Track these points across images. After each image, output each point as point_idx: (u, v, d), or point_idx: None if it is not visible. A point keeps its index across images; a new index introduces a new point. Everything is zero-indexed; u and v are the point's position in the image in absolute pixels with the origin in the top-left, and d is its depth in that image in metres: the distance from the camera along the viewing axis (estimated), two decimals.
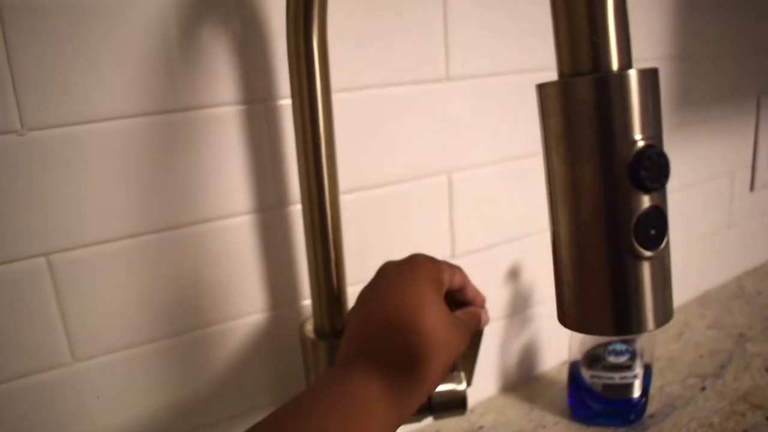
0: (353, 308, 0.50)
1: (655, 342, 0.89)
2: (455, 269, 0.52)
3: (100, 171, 0.51)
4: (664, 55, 0.87)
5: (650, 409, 0.75)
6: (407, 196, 0.67)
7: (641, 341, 0.71)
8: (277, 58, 0.57)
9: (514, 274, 0.78)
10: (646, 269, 0.29)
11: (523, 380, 0.83)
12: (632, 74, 0.28)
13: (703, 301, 1.04)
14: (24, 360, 0.50)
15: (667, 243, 0.29)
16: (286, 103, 0.57)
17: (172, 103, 0.53)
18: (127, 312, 0.54)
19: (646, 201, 0.28)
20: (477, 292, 0.55)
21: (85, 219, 0.51)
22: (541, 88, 0.29)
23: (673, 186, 0.94)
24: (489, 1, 0.67)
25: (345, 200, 0.63)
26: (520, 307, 0.79)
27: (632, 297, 0.29)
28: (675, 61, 0.88)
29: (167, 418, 0.58)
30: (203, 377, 0.59)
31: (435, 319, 0.45)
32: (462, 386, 0.54)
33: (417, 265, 0.49)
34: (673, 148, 0.92)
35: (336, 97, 0.60)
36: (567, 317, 0.31)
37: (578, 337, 0.72)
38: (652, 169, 0.27)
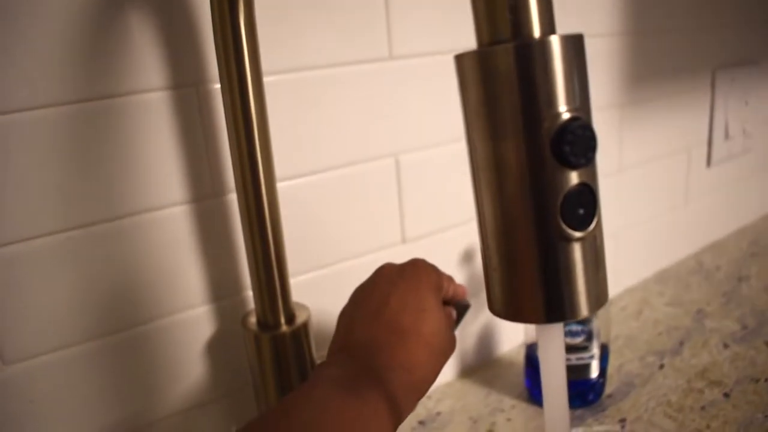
0: (348, 306, 0.49)
1: (612, 321, 0.89)
2: (451, 278, 0.52)
3: (22, 164, 0.48)
4: (618, 31, 0.85)
5: (609, 388, 0.74)
6: (353, 180, 0.65)
7: (597, 321, 0.70)
8: (207, 40, 0.54)
9: (468, 256, 0.76)
10: (576, 251, 0.27)
11: (480, 364, 0.82)
12: (555, 41, 0.25)
13: (661, 277, 1.04)
14: None
15: (599, 222, 0.28)
16: (219, 86, 0.55)
17: (97, 90, 0.50)
18: (60, 312, 0.52)
19: (573, 178, 0.26)
20: (464, 290, 0.55)
21: (8, 215, 0.48)
22: (459, 60, 0.27)
23: (630, 162, 0.94)
24: None
25: (287, 187, 0.60)
26: (475, 289, 0.77)
27: (563, 281, 0.27)
28: (629, 36, 0.87)
29: (109, 419, 0.56)
30: (145, 375, 0.57)
31: (436, 325, 0.45)
32: None
33: (419, 269, 0.49)
34: (629, 124, 0.92)
35: (274, 80, 0.57)
36: (495, 305, 0.29)
37: None
38: (577, 143, 0.25)
